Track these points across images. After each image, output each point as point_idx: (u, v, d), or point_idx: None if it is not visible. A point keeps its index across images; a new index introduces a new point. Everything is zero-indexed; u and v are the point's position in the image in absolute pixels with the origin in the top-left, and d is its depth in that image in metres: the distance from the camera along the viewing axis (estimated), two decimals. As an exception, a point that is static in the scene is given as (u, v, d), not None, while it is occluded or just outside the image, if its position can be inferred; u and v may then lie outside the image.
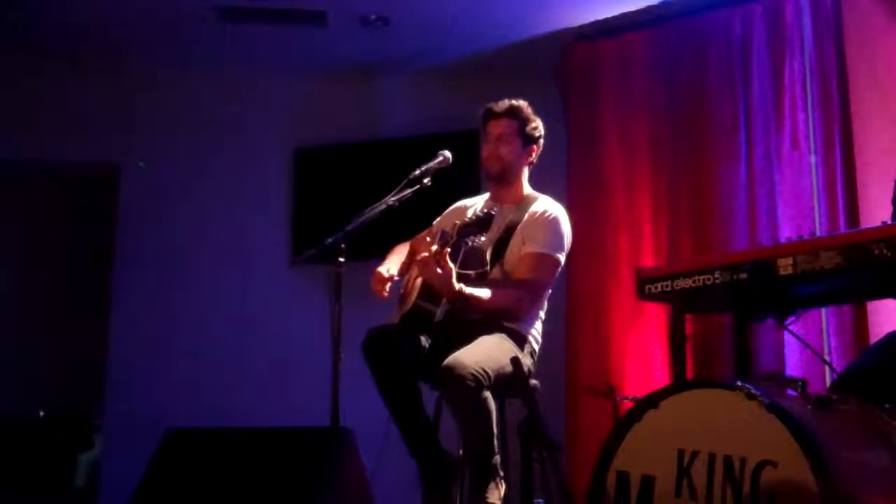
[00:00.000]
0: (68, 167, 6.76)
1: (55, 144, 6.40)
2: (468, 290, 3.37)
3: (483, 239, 3.37)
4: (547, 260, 3.61)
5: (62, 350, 7.10)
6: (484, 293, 3.45)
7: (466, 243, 3.32)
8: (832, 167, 4.82)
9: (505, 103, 3.77)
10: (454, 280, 3.30)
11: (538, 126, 3.80)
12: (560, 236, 3.65)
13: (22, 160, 6.55)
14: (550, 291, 3.74)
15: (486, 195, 3.90)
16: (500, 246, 3.60)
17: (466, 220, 3.31)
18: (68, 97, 6.38)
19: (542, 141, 3.81)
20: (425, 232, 3.95)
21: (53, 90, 6.37)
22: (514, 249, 3.60)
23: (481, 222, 3.30)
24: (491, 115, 3.77)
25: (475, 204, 3.89)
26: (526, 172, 3.83)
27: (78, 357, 6.91)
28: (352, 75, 6.49)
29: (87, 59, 6.33)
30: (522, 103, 3.78)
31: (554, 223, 3.66)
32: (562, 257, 3.65)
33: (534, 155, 3.81)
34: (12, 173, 6.94)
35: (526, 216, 3.68)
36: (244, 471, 2.76)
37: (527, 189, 3.82)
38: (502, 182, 3.77)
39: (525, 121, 3.75)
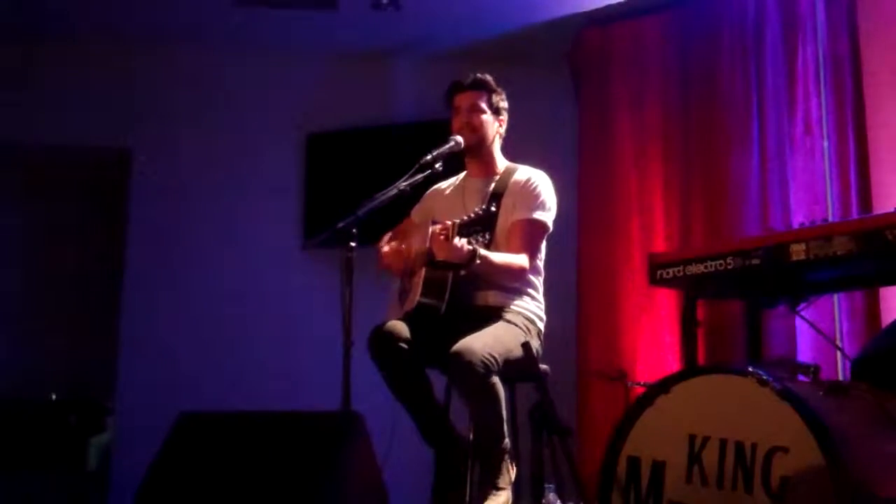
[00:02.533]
0: (81, 151, 6.75)
1: (67, 129, 6.40)
2: (482, 251, 3.38)
3: (487, 237, 3.37)
4: (536, 224, 3.63)
5: (74, 333, 7.13)
6: (494, 255, 3.47)
7: (470, 242, 3.31)
8: (845, 152, 4.80)
9: (470, 76, 3.78)
10: (464, 244, 3.30)
11: (504, 97, 3.82)
12: (546, 200, 3.67)
13: (35, 144, 6.57)
14: (543, 260, 3.74)
15: (462, 174, 3.90)
16: (490, 218, 3.54)
17: (466, 218, 3.29)
18: (81, 81, 6.37)
19: (507, 113, 3.83)
20: (404, 222, 3.95)
21: (65, 74, 6.37)
22: (504, 219, 3.61)
23: (483, 220, 3.28)
24: (458, 89, 3.78)
25: (452, 184, 3.90)
26: (498, 144, 3.84)
27: (90, 340, 6.94)
28: (363, 60, 6.48)
29: (99, 43, 6.33)
30: (487, 76, 3.79)
31: (539, 189, 3.67)
32: (550, 222, 3.67)
33: (503, 126, 3.83)
34: (25, 157, 6.96)
35: (510, 185, 3.70)
36: (256, 454, 2.76)
37: (503, 161, 3.84)
38: (478, 154, 3.77)
39: (492, 92, 3.78)
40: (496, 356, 3.24)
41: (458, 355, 3.21)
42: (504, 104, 3.81)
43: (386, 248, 3.76)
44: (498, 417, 3.28)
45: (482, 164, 3.79)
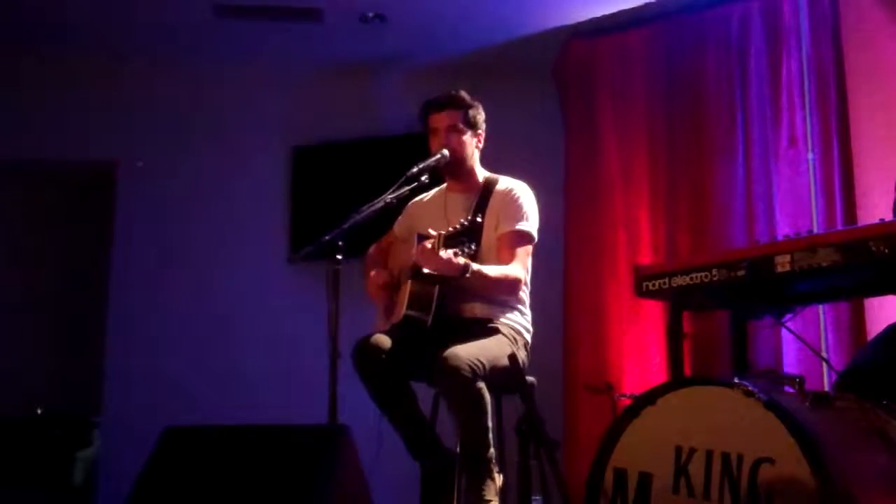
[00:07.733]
0: (66, 166, 6.74)
1: (52, 143, 6.39)
2: (475, 265, 3.38)
3: (474, 248, 3.37)
4: (523, 236, 3.62)
5: (60, 348, 7.09)
6: (487, 268, 3.47)
7: (457, 254, 3.31)
8: (830, 164, 4.83)
9: (444, 95, 3.75)
10: (451, 257, 3.30)
11: (480, 111, 3.78)
12: (529, 211, 3.66)
13: (19, 159, 6.54)
14: (530, 276, 3.72)
15: (443, 187, 3.89)
16: (475, 229, 3.49)
17: (452, 229, 3.30)
18: (66, 96, 6.37)
19: (484, 125, 3.80)
20: (387, 236, 3.96)
21: (51, 89, 6.36)
22: (488, 233, 3.61)
23: (468, 231, 3.28)
24: (432, 110, 3.74)
25: (432, 198, 3.89)
26: (477, 158, 3.82)
27: (76, 355, 6.90)
28: (349, 72, 6.49)
29: (84, 57, 6.32)
30: (461, 92, 3.75)
31: (521, 200, 3.66)
32: (535, 232, 3.66)
33: (481, 141, 3.80)
34: (10, 172, 6.93)
35: (492, 197, 3.69)
36: (242, 468, 2.75)
37: (482, 173, 3.82)
38: (459, 172, 3.75)
39: (467, 108, 3.73)
40: (483, 361, 3.24)
41: (446, 359, 3.20)
42: (481, 117, 3.77)
43: (377, 281, 3.75)
44: (483, 425, 3.26)
45: (462, 179, 3.78)
